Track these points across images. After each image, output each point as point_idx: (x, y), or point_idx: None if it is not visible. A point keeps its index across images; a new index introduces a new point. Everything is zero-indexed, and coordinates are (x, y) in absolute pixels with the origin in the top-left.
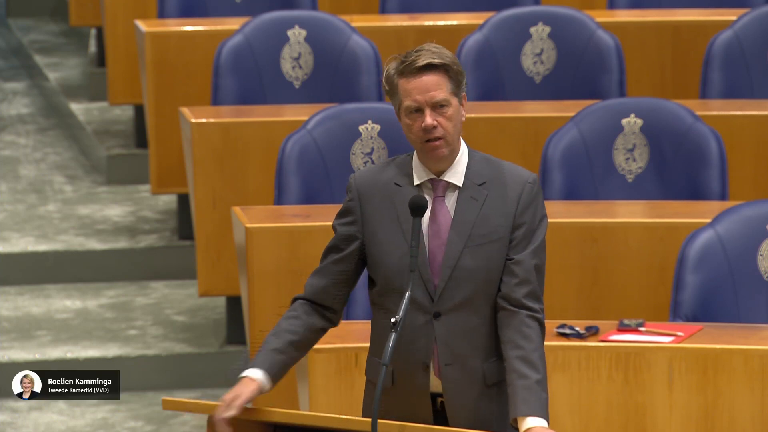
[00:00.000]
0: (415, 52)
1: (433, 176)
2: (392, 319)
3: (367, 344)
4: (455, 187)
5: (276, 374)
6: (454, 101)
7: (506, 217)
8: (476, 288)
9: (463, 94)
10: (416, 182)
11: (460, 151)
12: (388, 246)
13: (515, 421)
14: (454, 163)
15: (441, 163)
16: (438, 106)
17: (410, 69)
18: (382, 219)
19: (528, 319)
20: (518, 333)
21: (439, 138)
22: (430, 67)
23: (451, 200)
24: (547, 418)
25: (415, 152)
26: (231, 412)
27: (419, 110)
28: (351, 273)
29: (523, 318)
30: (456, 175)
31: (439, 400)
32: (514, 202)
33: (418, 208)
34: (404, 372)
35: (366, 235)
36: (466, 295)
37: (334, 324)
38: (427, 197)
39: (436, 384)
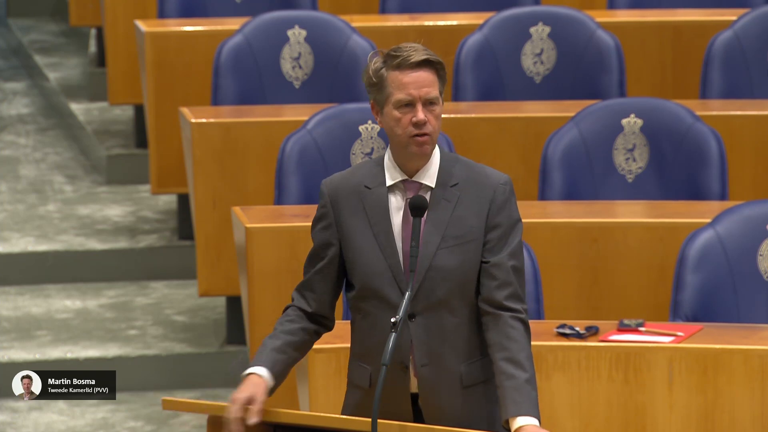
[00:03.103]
0: (407, 47)
1: (406, 177)
2: (392, 319)
3: None
4: (428, 188)
5: (278, 373)
6: (441, 101)
7: (479, 219)
8: (451, 289)
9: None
10: (389, 183)
11: (434, 153)
12: (362, 249)
13: (507, 422)
14: (428, 164)
15: (420, 162)
16: (429, 103)
17: (407, 63)
18: (354, 223)
19: (512, 321)
20: (503, 335)
21: (426, 134)
22: (426, 63)
23: None
24: (538, 416)
25: (387, 153)
26: (254, 419)
27: (410, 104)
28: (335, 278)
29: (506, 320)
30: (429, 176)
31: (419, 400)
32: (487, 203)
33: (417, 208)
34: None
35: (341, 240)
36: (441, 295)
37: (329, 328)
38: (399, 198)
39: (414, 384)
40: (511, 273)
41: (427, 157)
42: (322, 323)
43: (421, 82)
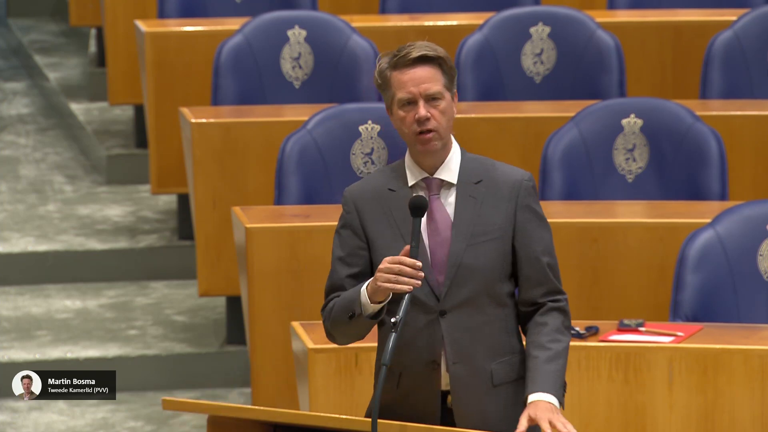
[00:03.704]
0: (409, 45)
1: (427, 175)
2: (392, 319)
3: (369, 345)
4: (450, 185)
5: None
6: (447, 96)
7: (506, 216)
8: (479, 286)
9: (455, 90)
10: (410, 183)
11: (452, 149)
12: (387, 251)
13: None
14: (447, 160)
15: (433, 158)
16: (431, 99)
17: (404, 61)
18: (380, 226)
19: (545, 309)
20: (534, 323)
21: (431, 130)
22: (424, 60)
23: (447, 198)
24: (554, 391)
25: (407, 154)
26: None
27: (412, 102)
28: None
29: (542, 311)
30: (449, 172)
31: (449, 398)
32: (513, 200)
33: (417, 209)
34: (411, 372)
35: (369, 243)
36: (470, 293)
37: None
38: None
39: (445, 382)
40: (546, 271)
41: (436, 152)
42: None
43: (420, 78)
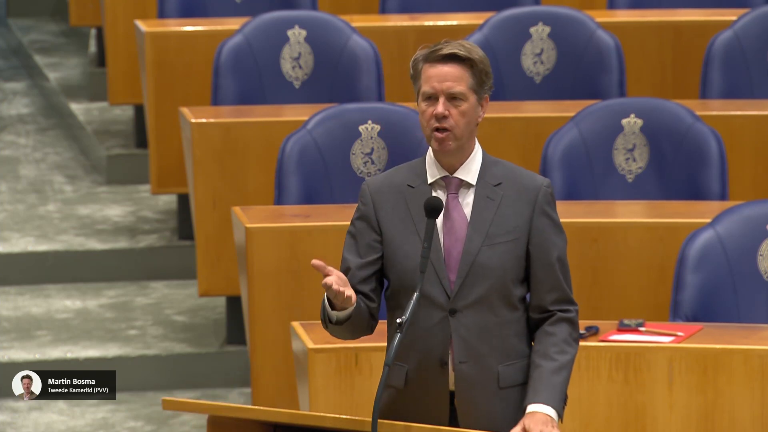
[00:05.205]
0: (444, 42)
1: (446, 173)
2: (398, 320)
3: (368, 344)
4: (469, 185)
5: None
6: (472, 98)
7: (523, 219)
8: (491, 286)
9: (486, 95)
10: (429, 180)
11: (474, 151)
12: (402, 245)
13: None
14: (468, 161)
15: (452, 158)
16: (453, 98)
17: (435, 56)
18: (396, 221)
19: (555, 319)
20: (542, 332)
21: (446, 129)
22: (453, 58)
23: (465, 198)
24: (555, 404)
25: (428, 151)
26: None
27: (434, 97)
28: (380, 276)
29: (552, 321)
30: (469, 173)
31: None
32: (531, 205)
33: (432, 210)
34: (419, 371)
35: (383, 237)
36: (482, 293)
37: (377, 319)
38: (440, 195)
39: (452, 382)
40: (559, 276)
41: (452, 153)
42: (372, 313)
43: (445, 75)
